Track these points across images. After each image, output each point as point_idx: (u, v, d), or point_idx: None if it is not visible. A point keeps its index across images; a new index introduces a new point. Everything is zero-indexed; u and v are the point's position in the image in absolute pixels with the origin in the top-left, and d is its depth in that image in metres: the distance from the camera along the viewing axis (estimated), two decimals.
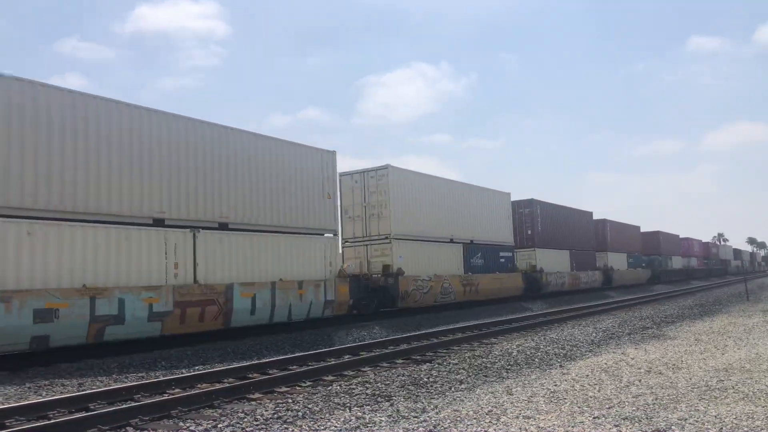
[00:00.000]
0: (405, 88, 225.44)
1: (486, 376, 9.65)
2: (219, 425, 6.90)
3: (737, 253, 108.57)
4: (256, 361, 11.75)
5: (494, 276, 27.06)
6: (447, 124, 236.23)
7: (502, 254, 28.31)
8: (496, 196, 28.87)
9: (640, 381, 8.51)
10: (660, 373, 9.13)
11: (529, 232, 32.26)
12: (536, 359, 11.18)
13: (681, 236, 66.76)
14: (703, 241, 78.84)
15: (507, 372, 9.95)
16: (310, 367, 10.72)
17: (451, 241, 24.66)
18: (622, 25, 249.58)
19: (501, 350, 12.42)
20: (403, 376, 9.76)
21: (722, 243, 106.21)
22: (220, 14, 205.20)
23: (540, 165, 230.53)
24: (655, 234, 57.68)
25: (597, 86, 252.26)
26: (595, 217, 42.47)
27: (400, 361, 11.78)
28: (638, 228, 51.80)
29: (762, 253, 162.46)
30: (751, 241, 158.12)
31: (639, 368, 9.60)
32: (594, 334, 14.78)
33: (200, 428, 6.81)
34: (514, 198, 30.76)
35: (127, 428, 7.03)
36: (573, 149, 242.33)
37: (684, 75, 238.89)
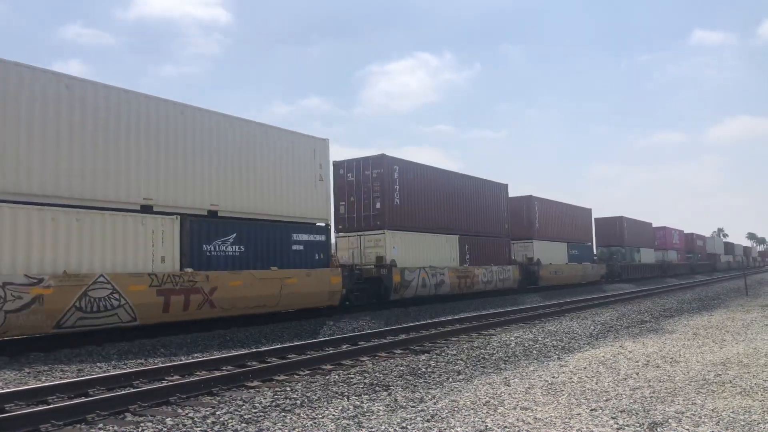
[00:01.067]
0: (407, 77, 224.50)
1: (484, 367, 9.67)
2: (217, 412, 6.93)
3: (729, 247, 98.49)
4: (255, 350, 11.78)
5: (265, 275, 15.51)
6: (449, 115, 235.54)
7: (298, 238, 17.01)
8: (288, 140, 17.22)
9: (637, 374, 8.53)
10: (658, 366, 9.15)
11: (378, 206, 21.54)
12: (534, 351, 11.21)
13: (655, 225, 56.72)
14: (686, 231, 67.78)
15: (505, 363, 9.98)
16: (309, 356, 10.75)
17: (148, 210, 13.39)
18: (626, 17, 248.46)
19: (499, 342, 12.45)
20: (401, 366, 9.79)
21: (715, 236, 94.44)
22: (223, 2, 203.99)
23: (542, 156, 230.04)
24: (617, 221, 46.64)
25: (600, 78, 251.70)
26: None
27: (399, 351, 11.81)
28: (589, 211, 41.85)
29: (759, 248, 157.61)
30: (751, 236, 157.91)
31: (637, 361, 9.62)
32: (592, 327, 14.80)
33: (199, 415, 6.83)
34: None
35: (126, 414, 7.05)
36: (576, 141, 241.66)
37: (687, 68, 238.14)
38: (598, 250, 44.21)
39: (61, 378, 9.24)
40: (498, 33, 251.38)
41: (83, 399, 7.52)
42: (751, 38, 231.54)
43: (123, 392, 7.81)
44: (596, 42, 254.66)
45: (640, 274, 47.88)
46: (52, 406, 7.09)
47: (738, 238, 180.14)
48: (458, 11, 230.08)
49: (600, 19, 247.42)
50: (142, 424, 6.54)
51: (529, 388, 7.76)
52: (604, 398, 7.06)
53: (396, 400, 7.30)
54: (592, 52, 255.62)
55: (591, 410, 6.50)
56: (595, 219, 44.42)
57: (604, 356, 10.25)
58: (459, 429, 5.90)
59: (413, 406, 6.91)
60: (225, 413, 6.89)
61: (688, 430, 5.70)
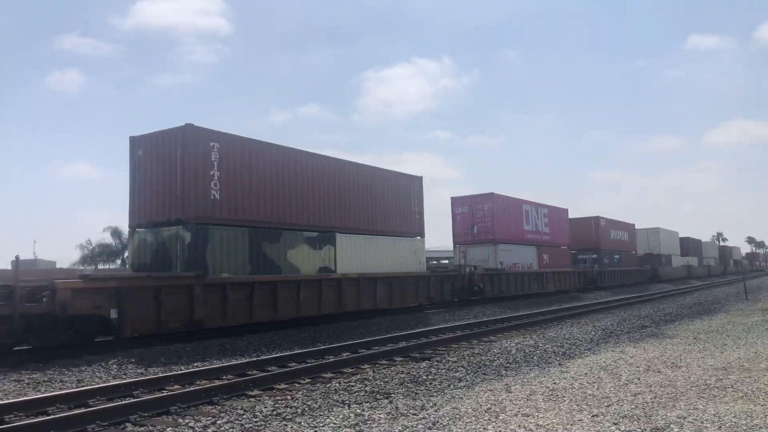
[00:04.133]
0: (405, 84, 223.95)
1: (485, 373, 9.65)
2: (218, 422, 6.90)
3: (690, 245, 63.35)
4: (255, 358, 11.74)
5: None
6: (447, 121, 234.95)
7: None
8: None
9: (639, 379, 8.52)
10: (659, 371, 9.13)
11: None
12: (535, 357, 11.19)
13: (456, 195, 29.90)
14: (583, 216, 40.85)
15: (506, 370, 9.96)
16: (309, 365, 10.72)
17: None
18: (622, 23, 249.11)
19: (500, 348, 12.43)
20: (402, 373, 9.76)
21: (660, 228, 54.71)
22: (222, 10, 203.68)
23: (541, 163, 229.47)
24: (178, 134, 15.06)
25: (598, 83, 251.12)
26: None
27: (399, 358, 11.78)
28: None
29: (757, 250, 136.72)
30: (750, 240, 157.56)
31: (638, 367, 9.60)
32: (593, 333, 14.79)
33: (199, 425, 6.81)
34: None
35: (126, 424, 7.02)
36: (574, 146, 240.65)
37: (684, 73, 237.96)
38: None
39: (60, 389, 9.20)
40: (496, 38, 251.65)
41: (83, 410, 7.49)
42: (748, 42, 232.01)
43: (123, 402, 7.78)
44: (593, 47, 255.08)
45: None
46: (51, 417, 7.07)
47: (738, 242, 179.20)
48: (456, 17, 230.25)
49: (596, 24, 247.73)
50: None
51: (530, 394, 7.75)
52: (606, 404, 7.05)
53: (397, 407, 7.28)
54: (589, 57, 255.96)
55: (593, 416, 6.48)
56: (131, 137, 16.57)
57: (605, 362, 10.23)
58: None
59: (414, 414, 6.89)
60: (225, 422, 6.86)
61: None
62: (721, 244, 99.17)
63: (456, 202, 29.53)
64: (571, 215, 38.20)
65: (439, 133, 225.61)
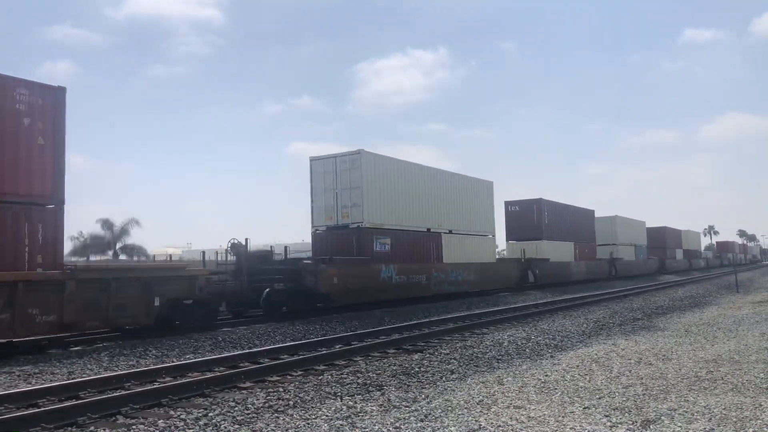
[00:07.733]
0: (400, 75, 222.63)
1: (477, 366, 9.68)
2: (210, 414, 6.89)
3: (557, 219, 34.82)
4: (247, 350, 11.73)
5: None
6: (443, 113, 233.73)
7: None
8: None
9: (630, 372, 8.56)
10: (650, 363, 9.18)
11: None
12: (527, 349, 11.23)
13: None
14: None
15: (498, 362, 9.99)
16: (302, 357, 10.71)
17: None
18: (618, 15, 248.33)
19: (492, 340, 12.46)
20: (395, 365, 9.77)
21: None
22: (216, 1, 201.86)
23: (536, 155, 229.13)
24: None
25: (593, 76, 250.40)
26: None
27: (392, 350, 11.79)
28: None
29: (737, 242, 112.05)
30: (742, 233, 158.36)
31: (629, 359, 9.65)
32: (585, 325, 14.85)
33: (191, 417, 6.79)
34: None
35: (118, 416, 6.99)
36: (568, 139, 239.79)
37: (680, 66, 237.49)
38: None
39: (51, 381, 9.15)
40: (493, 30, 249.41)
41: (74, 402, 7.45)
42: (743, 36, 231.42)
43: (114, 394, 7.74)
44: (589, 40, 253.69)
45: None
46: (42, 409, 7.03)
47: (729, 236, 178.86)
48: (452, 7, 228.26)
49: (592, 17, 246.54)
50: (133, 426, 6.49)
51: (522, 386, 7.77)
52: (597, 396, 7.08)
53: (389, 399, 7.29)
54: (585, 50, 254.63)
55: (584, 408, 6.51)
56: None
57: (596, 354, 10.28)
58: (452, 428, 5.89)
59: (407, 406, 6.90)
60: (217, 414, 6.85)
61: (680, 427, 5.72)
62: (708, 232, 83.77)
63: None
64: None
65: (434, 125, 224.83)
